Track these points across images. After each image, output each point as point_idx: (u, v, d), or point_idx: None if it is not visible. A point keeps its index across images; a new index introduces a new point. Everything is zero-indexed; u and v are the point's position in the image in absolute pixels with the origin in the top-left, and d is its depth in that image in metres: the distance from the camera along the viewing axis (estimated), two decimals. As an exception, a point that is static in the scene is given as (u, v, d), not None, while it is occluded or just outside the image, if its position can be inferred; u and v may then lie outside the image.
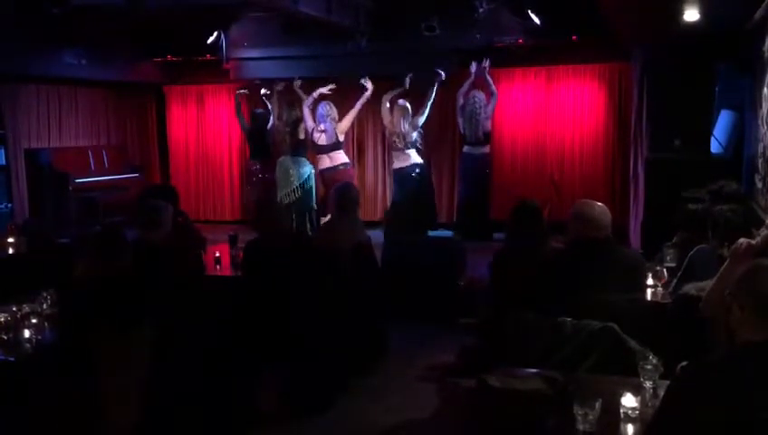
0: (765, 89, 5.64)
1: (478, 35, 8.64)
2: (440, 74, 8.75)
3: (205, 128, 11.19)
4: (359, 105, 8.81)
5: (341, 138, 8.80)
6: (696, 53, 6.76)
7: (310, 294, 4.36)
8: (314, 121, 8.68)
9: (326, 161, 8.71)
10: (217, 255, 5.57)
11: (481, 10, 8.21)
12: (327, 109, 8.70)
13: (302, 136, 8.81)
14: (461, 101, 9.01)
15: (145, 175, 10.87)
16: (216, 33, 9.11)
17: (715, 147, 7.25)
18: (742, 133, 6.89)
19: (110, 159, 10.46)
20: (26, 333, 3.53)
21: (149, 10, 6.97)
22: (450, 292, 6.20)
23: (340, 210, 5.72)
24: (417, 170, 8.80)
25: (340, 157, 8.77)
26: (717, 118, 7.51)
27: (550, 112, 9.72)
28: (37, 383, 3.24)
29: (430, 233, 8.63)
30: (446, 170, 10.14)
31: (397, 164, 8.89)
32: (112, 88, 10.69)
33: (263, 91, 9.21)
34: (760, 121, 5.88)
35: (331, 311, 4.49)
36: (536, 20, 8.25)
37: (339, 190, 6.09)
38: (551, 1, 8.07)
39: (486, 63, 8.91)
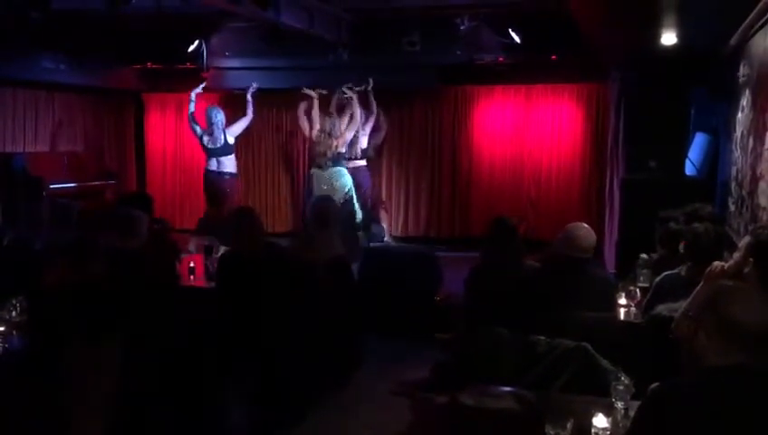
0: (739, 114, 5.74)
1: (459, 52, 8.70)
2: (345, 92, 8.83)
3: (183, 136, 11.09)
4: (250, 112, 8.96)
5: (231, 141, 8.89)
6: (672, 76, 6.86)
7: (284, 307, 4.34)
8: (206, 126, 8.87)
9: (213, 164, 8.91)
10: (192, 265, 5.53)
11: (462, 27, 8.29)
12: (214, 113, 8.84)
13: (342, 149, 8.76)
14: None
15: (121, 182, 10.76)
16: (196, 42, 9.09)
17: (689, 169, 7.35)
18: (716, 156, 6.99)
19: (85, 164, 10.33)
20: (-6, 341, 3.47)
21: (130, 17, 6.93)
22: (426, 306, 6.20)
23: (318, 224, 5.72)
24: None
25: (228, 164, 8.94)
26: (692, 140, 7.61)
27: (528, 130, 9.80)
28: (4, 392, 3.18)
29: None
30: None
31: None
32: (91, 94, 10.58)
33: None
34: (734, 145, 5.97)
35: (304, 324, 4.47)
36: (516, 39, 8.33)
37: (317, 204, 6.09)
38: (531, 20, 8.16)
39: (370, 85, 8.90)
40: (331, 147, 8.67)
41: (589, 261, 3.90)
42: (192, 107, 8.98)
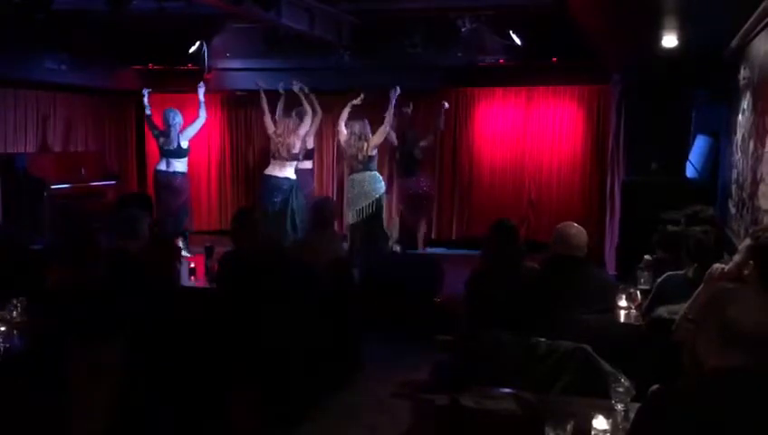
0: (740, 116, 5.74)
1: (460, 54, 8.70)
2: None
3: (184, 137, 11.11)
4: (202, 114, 9.10)
5: (185, 145, 8.99)
6: (673, 78, 6.86)
7: (284, 308, 4.34)
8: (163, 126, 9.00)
9: (163, 165, 9.03)
10: (192, 266, 5.53)
11: (464, 29, 8.29)
12: (172, 115, 8.95)
13: (372, 153, 8.61)
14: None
15: (122, 183, 10.75)
16: (198, 43, 9.10)
17: (690, 171, 7.35)
18: (717, 159, 6.99)
19: (87, 165, 10.32)
20: (-6, 341, 3.46)
21: (132, 17, 6.94)
22: (426, 308, 6.20)
23: (318, 225, 5.72)
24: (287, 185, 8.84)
25: (179, 165, 9.02)
26: (693, 143, 7.61)
27: (529, 132, 9.79)
28: (4, 394, 3.18)
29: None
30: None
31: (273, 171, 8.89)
32: (92, 94, 10.59)
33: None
34: (734, 148, 5.98)
35: (305, 326, 4.47)
36: (518, 41, 8.34)
37: (318, 205, 6.09)
38: (532, 23, 8.16)
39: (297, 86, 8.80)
40: (362, 149, 8.49)
41: (585, 260, 3.91)
42: (148, 110, 9.09)
